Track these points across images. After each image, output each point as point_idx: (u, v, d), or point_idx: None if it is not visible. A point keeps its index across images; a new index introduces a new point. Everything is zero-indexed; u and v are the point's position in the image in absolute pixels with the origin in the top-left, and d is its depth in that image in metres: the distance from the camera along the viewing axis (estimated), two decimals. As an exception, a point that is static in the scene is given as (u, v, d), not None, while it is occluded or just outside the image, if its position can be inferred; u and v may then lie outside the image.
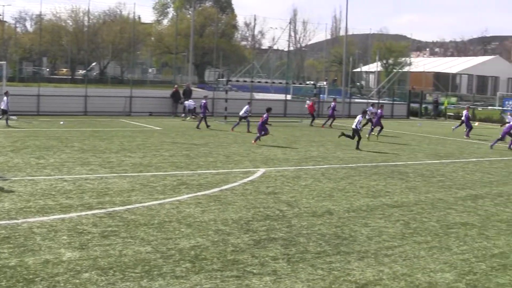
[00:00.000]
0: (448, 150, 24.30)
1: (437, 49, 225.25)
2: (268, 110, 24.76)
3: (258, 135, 23.96)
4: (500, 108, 55.12)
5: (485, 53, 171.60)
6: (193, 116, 35.58)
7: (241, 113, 28.99)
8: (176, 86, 41.29)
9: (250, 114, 28.96)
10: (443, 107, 53.89)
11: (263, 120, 24.04)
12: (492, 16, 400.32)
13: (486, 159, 22.14)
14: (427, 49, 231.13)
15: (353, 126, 23.93)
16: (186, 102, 36.42)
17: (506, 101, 56.82)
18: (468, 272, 8.21)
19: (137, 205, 11.52)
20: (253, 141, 23.73)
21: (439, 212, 12.10)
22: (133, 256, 8.20)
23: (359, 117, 24.34)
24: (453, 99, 63.47)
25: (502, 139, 26.11)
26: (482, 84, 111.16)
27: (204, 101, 30.97)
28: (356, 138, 23.63)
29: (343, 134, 24.22)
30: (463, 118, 32.60)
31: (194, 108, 35.83)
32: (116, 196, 12.30)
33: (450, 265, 8.51)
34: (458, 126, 34.11)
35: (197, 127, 29.75)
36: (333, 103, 36.15)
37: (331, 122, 35.05)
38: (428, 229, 10.62)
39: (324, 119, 36.04)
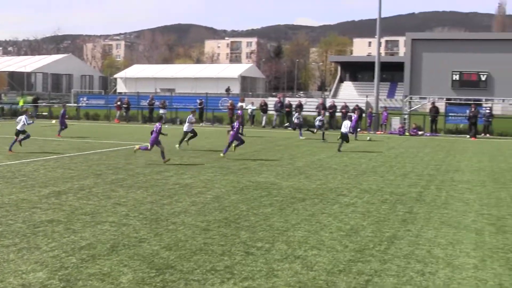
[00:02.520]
0: (28, 149, 23.94)
1: (10, 48, 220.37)
2: (160, 119, 21.93)
3: (147, 148, 20.72)
4: (75, 104, 56.51)
5: (58, 51, 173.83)
6: None
7: (18, 127, 23.65)
8: None
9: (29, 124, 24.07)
10: (19, 106, 53.00)
11: (156, 131, 20.53)
12: (65, 15, 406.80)
13: (67, 155, 22.54)
14: (0, 48, 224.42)
15: (343, 131, 26.44)
16: None
17: (80, 97, 58.57)
18: (60, 268, 8.30)
19: None
20: (164, 161, 20.23)
21: (24, 213, 11.93)
22: None
23: (352, 122, 28.20)
24: (30, 98, 62.76)
25: (353, 132, 30.35)
26: (57, 82, 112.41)
27: None
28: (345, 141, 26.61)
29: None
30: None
31: None
32: None
33: (41, 263, 8.49)
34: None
35: None
36: (63, 110, 33.16)
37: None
38: (15, 231, 10.40)
39: None
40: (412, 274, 8.45)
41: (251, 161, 21.84)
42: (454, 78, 42.55)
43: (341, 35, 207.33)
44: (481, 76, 42.03)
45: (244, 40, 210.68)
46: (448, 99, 44.01)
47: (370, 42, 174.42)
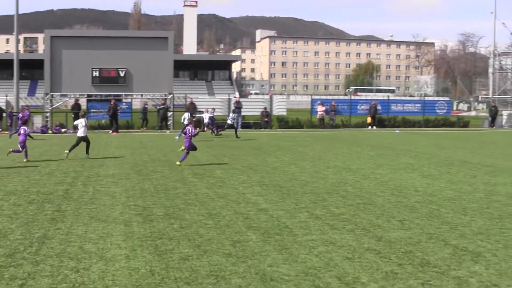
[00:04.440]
0: None
1: None
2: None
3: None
4: None
5: None
6: None
7: None
8: None
9: None
10: None
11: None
12: None
13: None
14: None
15: (229, 122, 35.00)
16: None
17: None
18: None
19: None
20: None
21: None
22: None
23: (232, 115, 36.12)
24: None
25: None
26: None
27: None
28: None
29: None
30: None
31: None
32: None
33: None
34: None
35: None
36: None
37: None
38: None
39: None
40: (66, 272, 8.48)
41: None
42: (94, 75, 43.10)
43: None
44: (120, 72, 43.33)
45: None
46: (89, 96, 44.52)
47: (8, 39, 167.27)
